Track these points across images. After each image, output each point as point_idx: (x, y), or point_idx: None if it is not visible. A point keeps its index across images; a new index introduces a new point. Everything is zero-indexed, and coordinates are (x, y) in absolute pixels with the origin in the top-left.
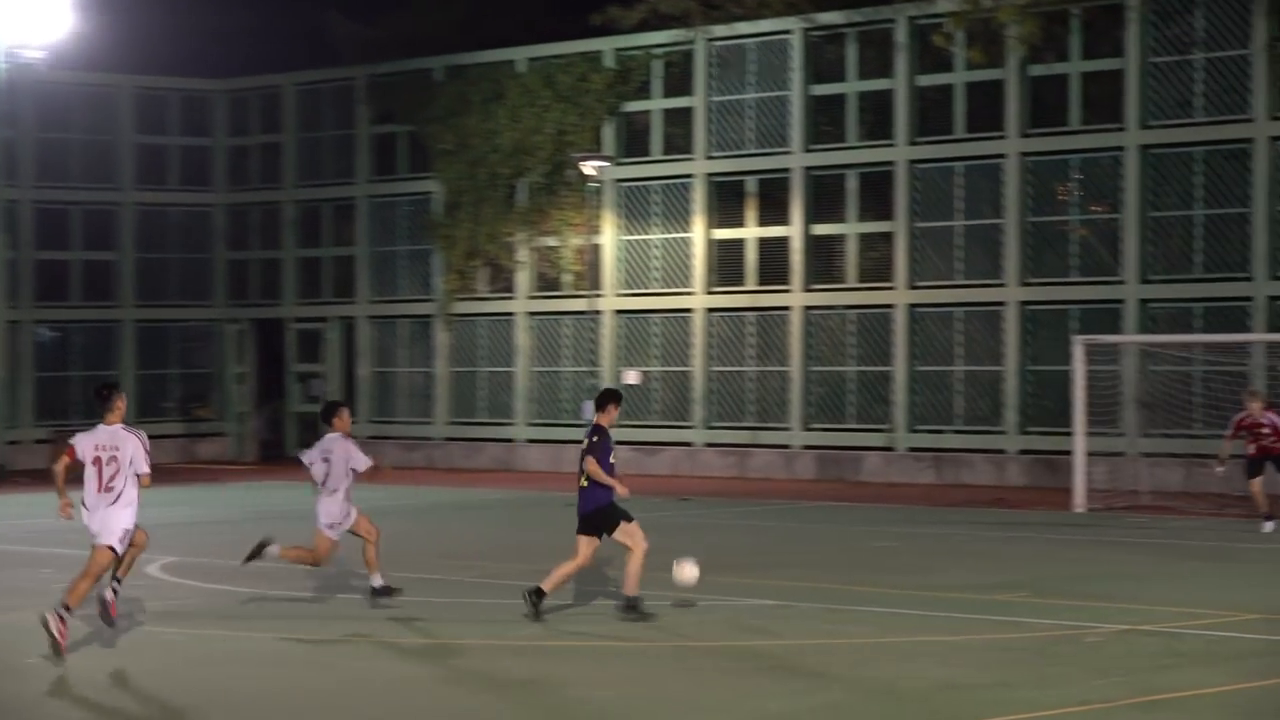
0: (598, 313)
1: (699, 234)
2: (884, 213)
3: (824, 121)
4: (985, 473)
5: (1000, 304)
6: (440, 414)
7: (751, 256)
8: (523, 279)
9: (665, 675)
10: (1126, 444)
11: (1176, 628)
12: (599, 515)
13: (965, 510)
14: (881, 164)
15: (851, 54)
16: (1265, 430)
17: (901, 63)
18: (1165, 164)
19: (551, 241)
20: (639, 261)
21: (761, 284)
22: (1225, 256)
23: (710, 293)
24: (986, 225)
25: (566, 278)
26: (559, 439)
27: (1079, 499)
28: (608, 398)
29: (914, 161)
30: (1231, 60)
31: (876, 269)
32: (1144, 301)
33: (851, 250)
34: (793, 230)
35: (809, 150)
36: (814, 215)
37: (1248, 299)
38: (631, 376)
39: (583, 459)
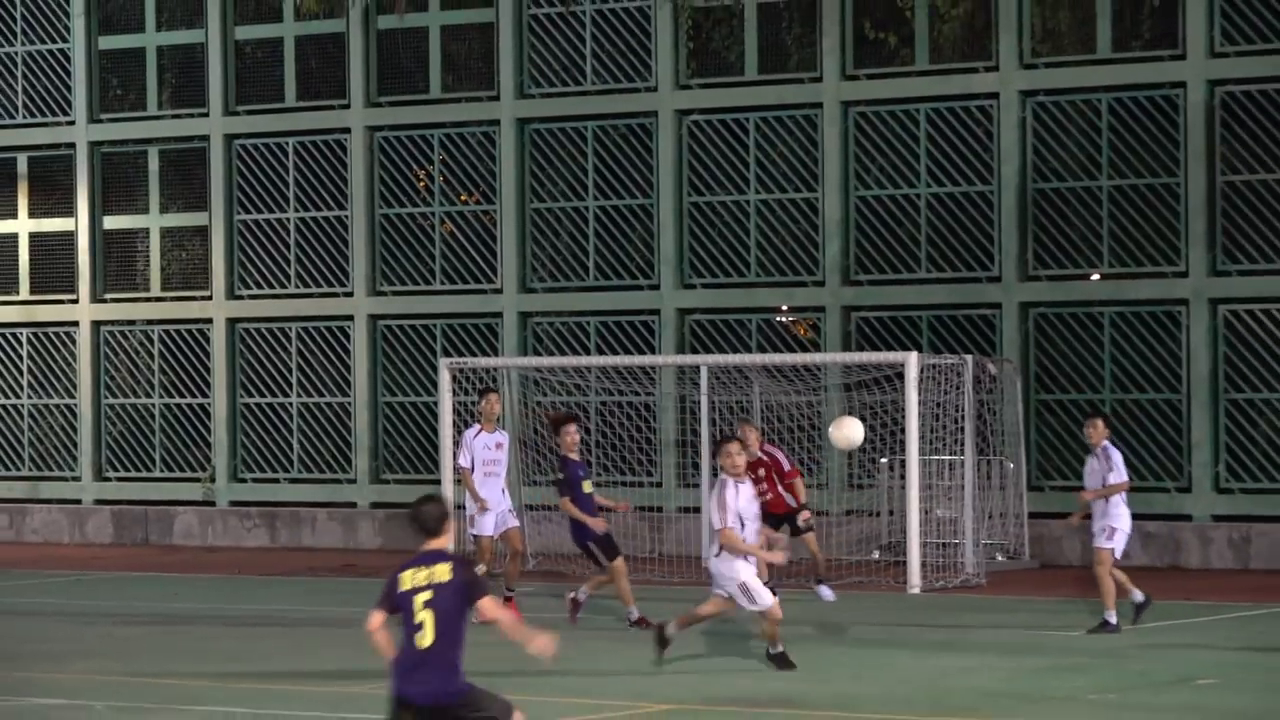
0: None
1: None
2: (196, 201)
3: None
4: (332, 533)
5: (347, 318)
6: None
7: (24, 256)
8: None
9: None
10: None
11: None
12: None
13: (307, 580)
14: (192, 138)
15: None
16: (761, 474)
17: (214, 8)
18: (553, 141)
19: None
20: None
21: (37, 292)
22: (625, 259)
23: None
24: (328, 218)
25: None
26: None
27: None
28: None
29: (233, 136)
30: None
31: (187, 273)
32: (524, 315)
33: (155, 249)
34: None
35: (97, 121)
36: (105, 204)
37: (654, 311)
38: None
39: None
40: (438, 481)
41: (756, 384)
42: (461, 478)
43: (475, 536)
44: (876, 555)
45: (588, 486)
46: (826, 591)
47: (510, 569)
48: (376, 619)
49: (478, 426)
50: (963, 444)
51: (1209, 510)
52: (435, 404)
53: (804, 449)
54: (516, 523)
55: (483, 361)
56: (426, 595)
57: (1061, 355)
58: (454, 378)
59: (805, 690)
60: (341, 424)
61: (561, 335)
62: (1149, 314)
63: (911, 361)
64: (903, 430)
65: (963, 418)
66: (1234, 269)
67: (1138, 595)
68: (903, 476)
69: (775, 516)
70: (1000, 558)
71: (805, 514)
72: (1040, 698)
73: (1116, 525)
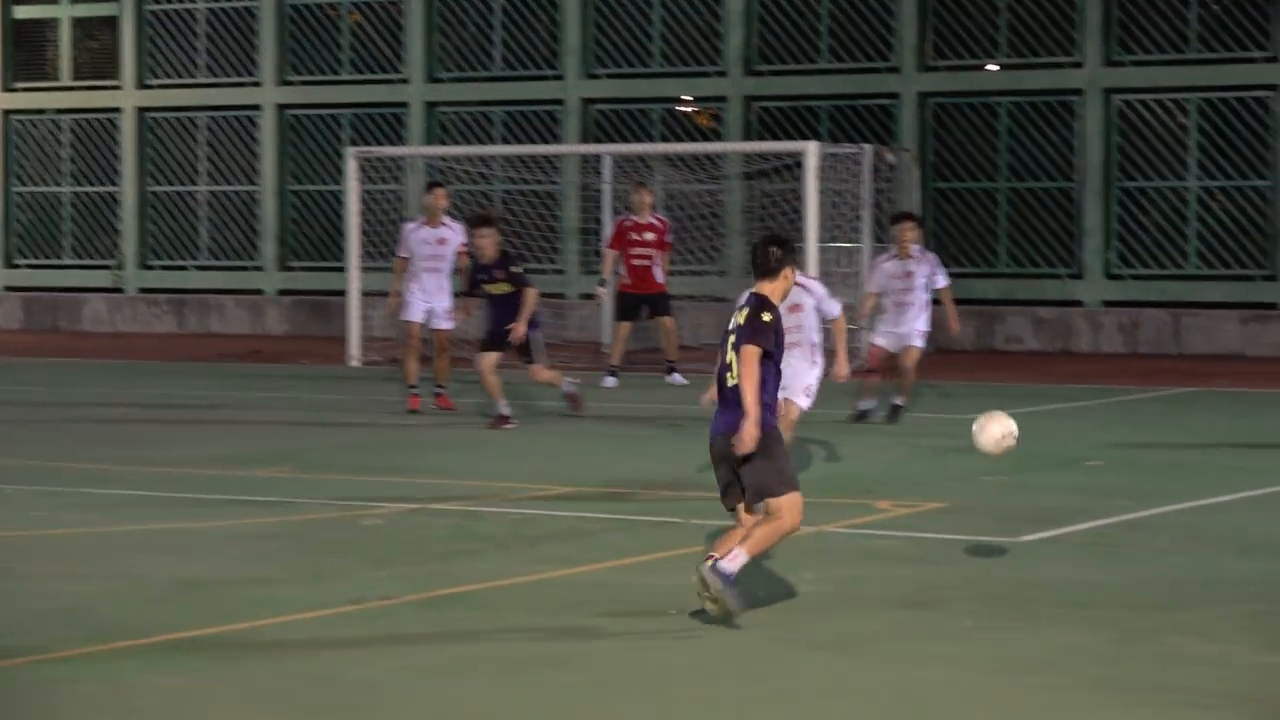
0: None
1: None
2: None
3: None
4: (239, 319)
5: (254, 107)
6: None
7: None
8: None
9: None
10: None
11: (473, 506)
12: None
13: (214, 365)
14: None
15: None
16: (649, 237)
17: None
18: None
19: None
20: None
21: None
22: (530, 49)
23: None
24: (236, 9)
25: None
26: None
27: (354, 350)
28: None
29: None
30: None
31: (97, 63)
32: (430, 105)
33: (65, 39)
34: None
35: None
36: None
37: (558, 101)
38: None
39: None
40: (343, 269)
41: (659, 173)
42: (394, 266)
43: (405, 322)
44: None
45: (489, 289)
46: (678, 378)
47: (439, 365)
48: None
49: (420, 220)
50: (860, 231)
51: (1100, 296)
52: (342, 193)
53: (704, 237)
54: (450, 325)
55: (389, 151)
56: (732, 338)
57: (958, 144)
58: (360, 167)
59: (701, 474)
60: (249, 212)
61: (467, 125)
62: (1044, 104)
63: (811, 151)
64: (802, 218)
65: (861, 206)
66: (1128, 59)
67: (898, 399)
68: (800, 263)
69: (638, 297)
70: None
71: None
72: (935, 479)
73: (928, 329)
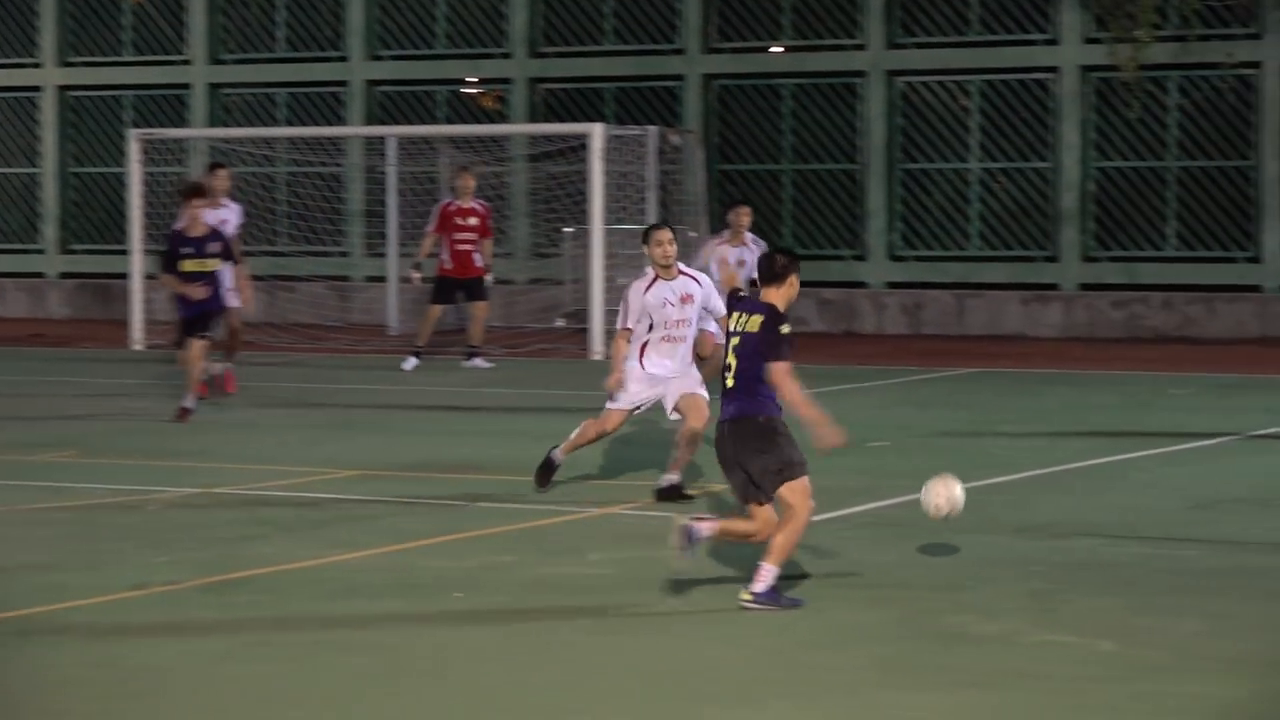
0: None
1: None
2: None
3: None
4: (19, 302)
5: (35, 89)
6: None
7: None
8: None
9: None
10: None
11: (258, 490)
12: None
13: None
14: None
15: None
16: (472, 222)
17: None
18: None
19: None
20: None
21: None
22: (313, 30)
23: None
24: None
25: None
26: None
27: (137, 334)
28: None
29: None
30: None
31: None
32: (214, 86)
33: None
34: None
35: None
36: None
37: (342, 83)
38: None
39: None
40: (125, 252)
41: (443, 155)
42: None
43: None
44: (560, 323)
45: (190, 265)
46: (480, 362)
47: (229, 344)
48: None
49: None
50: (646, 213)
51: (883, 278)
52: (124, 175)
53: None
54: (236, 303)
55: (172, 133)
56: (735, 341)
57: (743, 126)
58: (143, 149)
59: (489, 455)
60: (30, 194)
61: (250, 106)
62: (828, 86)
63: (596, 133)
64: (587, 200)
65: (646, 188)
66: (910, 42)
67: None
68: (586, 245)
69: (457, 281)
70: None
71: (489, 275)
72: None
73: None
